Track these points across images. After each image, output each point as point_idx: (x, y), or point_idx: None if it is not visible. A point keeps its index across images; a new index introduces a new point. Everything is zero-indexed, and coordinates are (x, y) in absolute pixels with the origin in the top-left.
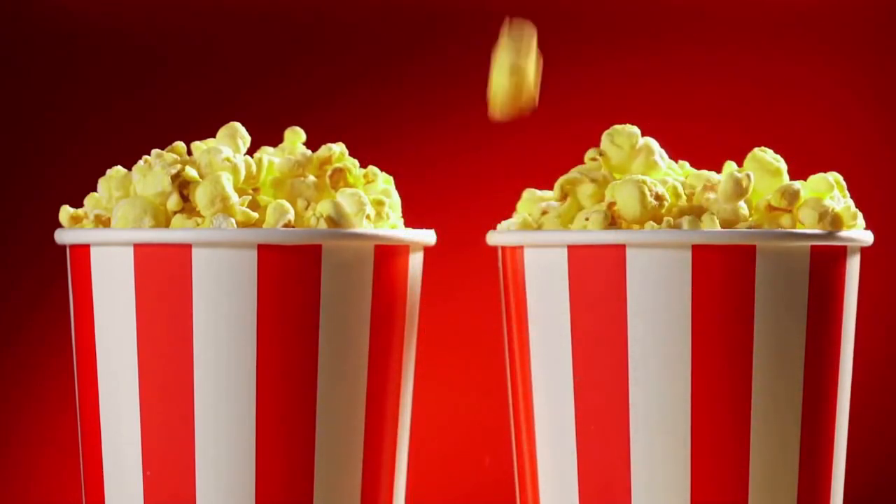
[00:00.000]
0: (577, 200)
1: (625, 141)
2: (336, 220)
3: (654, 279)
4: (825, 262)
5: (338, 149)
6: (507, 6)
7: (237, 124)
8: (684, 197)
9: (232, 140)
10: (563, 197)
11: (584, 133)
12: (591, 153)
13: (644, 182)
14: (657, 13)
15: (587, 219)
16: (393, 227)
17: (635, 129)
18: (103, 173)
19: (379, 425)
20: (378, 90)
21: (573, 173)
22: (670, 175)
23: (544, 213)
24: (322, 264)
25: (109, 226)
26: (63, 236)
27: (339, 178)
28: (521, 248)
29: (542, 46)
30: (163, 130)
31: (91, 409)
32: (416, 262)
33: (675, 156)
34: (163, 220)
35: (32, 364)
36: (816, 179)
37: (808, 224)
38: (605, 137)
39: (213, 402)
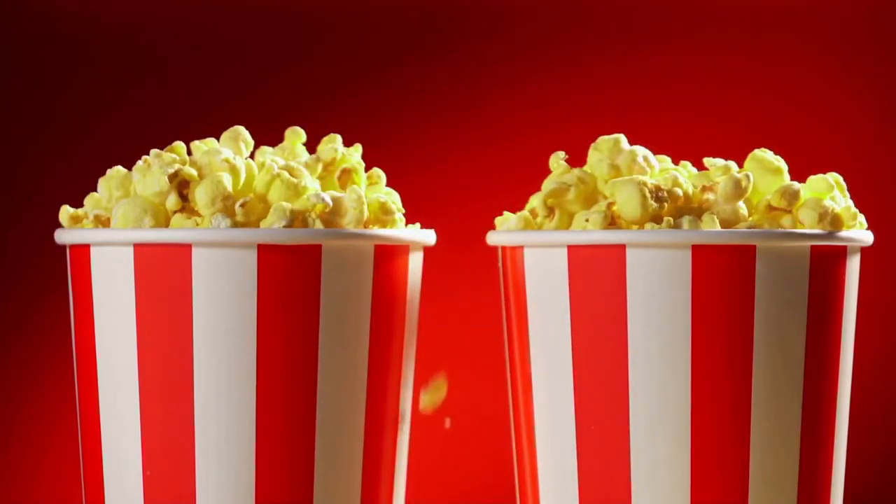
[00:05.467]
0: (566, 211)
1: (607, 149)
2: (331, 207)
3: (654, 279)
4: (825, 262)
5: (342, 149)
6: (507, 7)
7: (241, 128)
8: (684, 196)
9: (234, 143)
10: (550, 212)
11: (585, 133)
12: (557, 160)
13: (644, 183)
14: (657, 14)
15: (587, 219)
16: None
17: (619, 136)
18: (103, 173)
19: (379, 425)
20: (378, 90)
21: (552, 185)
22: (667, 174)
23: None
24: (322, 264)
25: (109, 226)
26: (63, 236)
27: (347, 178)
28: (521, 248)
29: (543, 47)
30: (163, 130)
31: (91, 409)
32: (416, 262)
33: (675, 156)
34: (163, 220)
35: (32, 364)
36: (816, 180)
37: (808, 224)
38: (590, 151)
39: (213, 402)
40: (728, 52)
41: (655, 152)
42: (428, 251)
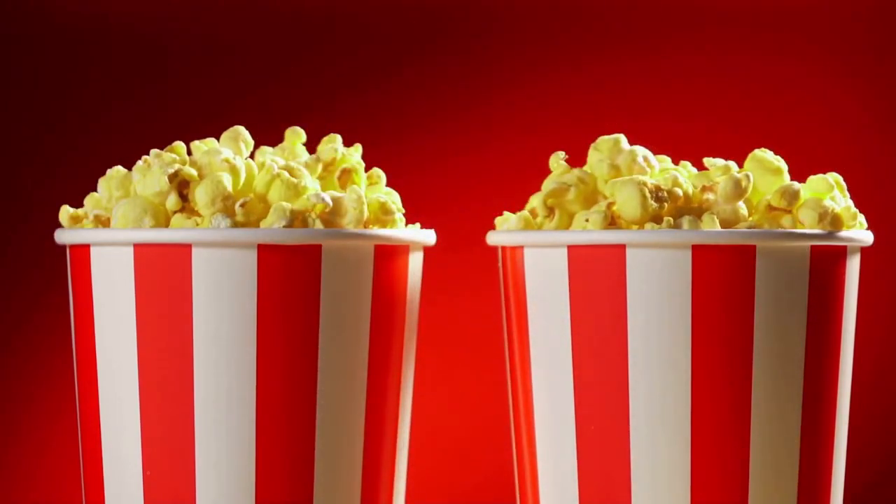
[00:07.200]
0: (567, 211)
1: (607, 149)
2: (331, 207)
3: (654, 279)
4: (825, 262)
5: (342, 149)
6: (507, 8)
7: (241, 128)
8: (684, 196)
9: (234, 143)
10: (550, 212)
11: (585, 133)
12: (557, 160)
13: (644, 183)
14: (657, 14)
15: (587, 219)
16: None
17: (619, 136)
18: (103, 173)
19: (379, 425)
20: (378, 90)
21: (552, 185)
22: (667, 174)
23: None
24: (322, 264)
25: (109, 226)
26: (63, 236)
27: (347, 178)
28: (521, 248)
29: (544, 47)
30: (163, 130)
31: (91, 410)
32: (416, 262)
33: (675, 156)
34: (163, 220)
35: (33, 364)
36: (816, 180)
37: (808, 224)
38: (590, 151)
39: (213, 402)
40: (728, 53)
41: (655, 152)
42: (428, 251)
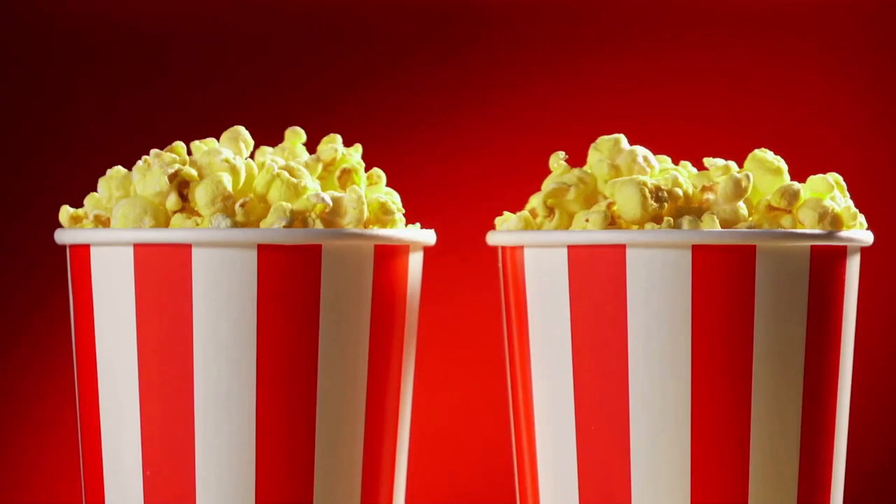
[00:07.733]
0: (566, 211)
1: (607, 149)
2: (331, 207)
3: (654, 279)
4: (825, 262)
5: (342, 149)
6: (507, 8)
7: (241, 128)
8: (684, 196)
9: (234, 143)
10: (550, 212)
11: (585, 133)
12: (557, 160)
13: (644, 183)
14: (658, 15)
15: (587, 219)
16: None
17: (619, 136)
18: (103, 173)
19: (379, 425)
20: (378, 90)
21: (552, 185)
22: (667, 174)
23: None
24: (322, 264)
25: (109, 226)
26: (63, 236)
27: (347, 178)
28: (521, 248)
29: (544, 48)
30: (163, 130)
31: (91, 409)
32: (416, 262)
33: (676, 157)
34: (163, 220)
35: (33, 364)
36: (816, 180)
37: (808, 224)
38: (590, 151)
39: (213, 403)
40: (728, 53)
41: (655, 152)
42: (428, 251)
